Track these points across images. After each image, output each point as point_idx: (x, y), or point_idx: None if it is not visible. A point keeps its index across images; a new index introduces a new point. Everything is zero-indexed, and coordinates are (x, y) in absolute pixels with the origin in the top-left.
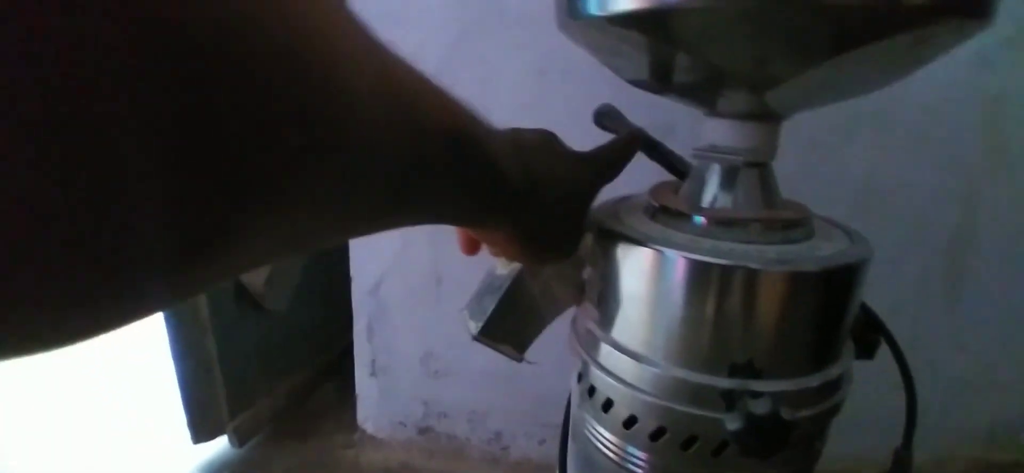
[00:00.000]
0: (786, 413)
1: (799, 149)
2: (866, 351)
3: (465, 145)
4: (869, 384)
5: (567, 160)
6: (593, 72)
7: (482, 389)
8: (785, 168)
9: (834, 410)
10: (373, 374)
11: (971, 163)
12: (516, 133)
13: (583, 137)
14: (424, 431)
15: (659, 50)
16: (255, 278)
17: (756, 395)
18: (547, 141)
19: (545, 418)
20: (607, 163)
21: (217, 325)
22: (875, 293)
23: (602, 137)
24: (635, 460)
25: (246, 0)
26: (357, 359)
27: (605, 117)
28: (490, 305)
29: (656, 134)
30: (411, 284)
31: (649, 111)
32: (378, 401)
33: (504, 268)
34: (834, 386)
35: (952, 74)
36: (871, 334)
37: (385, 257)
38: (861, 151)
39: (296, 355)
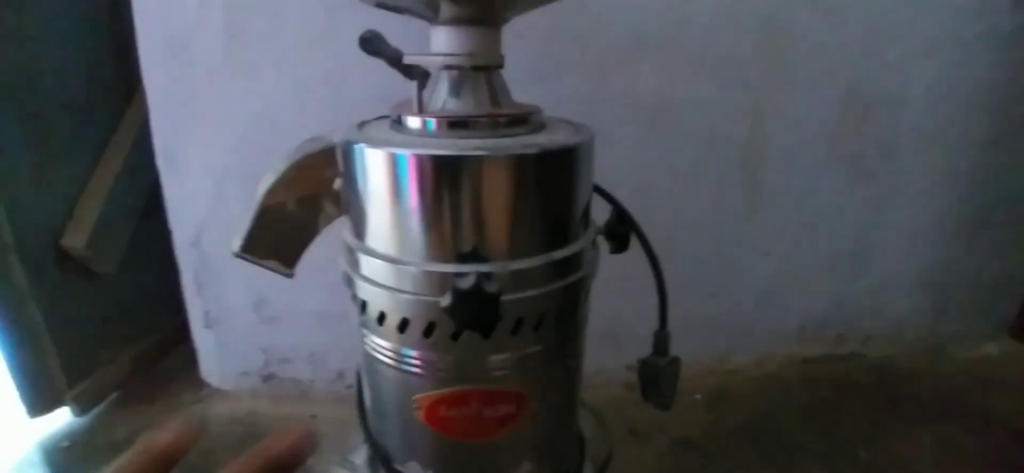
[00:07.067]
0: (489, 286)
1: (588, 72)
2: (619, 245)
3: None
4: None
5: None
6: None
7: (319, 330)
8: (577, 91)
9: (572, 289)
10: (208, 326)
11: (753, 80)
12: None
13: (376, 65)
14: (268, 378)
15: None
16: (75, 240)
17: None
18: None
19: None
20: None
21: (40, 292)
22: (677, 207)
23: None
24: (404, 357)
25: None
26: (190, 312)
27: (369, 43)
28: (247, 222)
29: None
30: (232, 233)
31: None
32: (218, 354)
33: (262, 187)
34: (562, 267)
35: None
36: (621, 228)
37: (201, 207)
38: (649, 71)
39: (140, 320)
